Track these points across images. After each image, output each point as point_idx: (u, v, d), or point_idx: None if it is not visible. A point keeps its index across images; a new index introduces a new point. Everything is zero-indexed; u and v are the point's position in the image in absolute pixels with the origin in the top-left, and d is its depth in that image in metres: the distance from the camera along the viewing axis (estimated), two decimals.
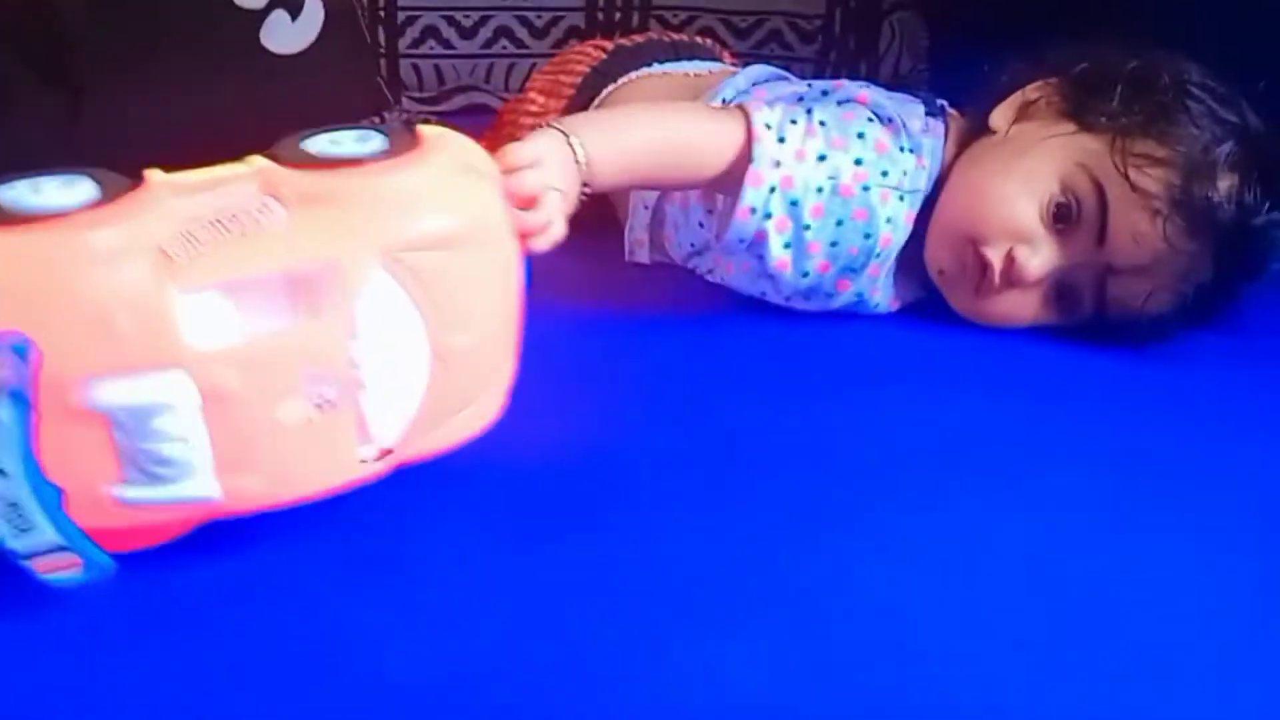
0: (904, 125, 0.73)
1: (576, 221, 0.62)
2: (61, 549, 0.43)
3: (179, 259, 0.45)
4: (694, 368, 0.71)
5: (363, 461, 0.50)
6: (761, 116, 0.70)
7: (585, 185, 0.65)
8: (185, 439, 0.44)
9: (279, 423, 0.45)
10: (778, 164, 0.69)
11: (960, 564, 0.53)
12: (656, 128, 0.71)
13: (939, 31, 1.31)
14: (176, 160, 0.51)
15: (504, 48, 1.29)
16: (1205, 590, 0.52)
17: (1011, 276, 0.72)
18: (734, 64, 0.97)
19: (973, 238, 0.72)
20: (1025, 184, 0.71)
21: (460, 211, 0.51)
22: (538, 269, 0.56)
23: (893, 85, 0.82)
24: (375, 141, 0.52)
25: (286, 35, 1.08)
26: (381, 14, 1.26)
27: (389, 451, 0.51)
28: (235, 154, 0.52)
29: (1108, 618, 0.49)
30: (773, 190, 0.69)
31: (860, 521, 0.56)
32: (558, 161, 0.63)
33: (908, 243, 0.75)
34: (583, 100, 0.91)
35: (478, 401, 0.55)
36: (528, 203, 0.57)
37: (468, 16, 1.28)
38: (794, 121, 0.71)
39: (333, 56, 1.10)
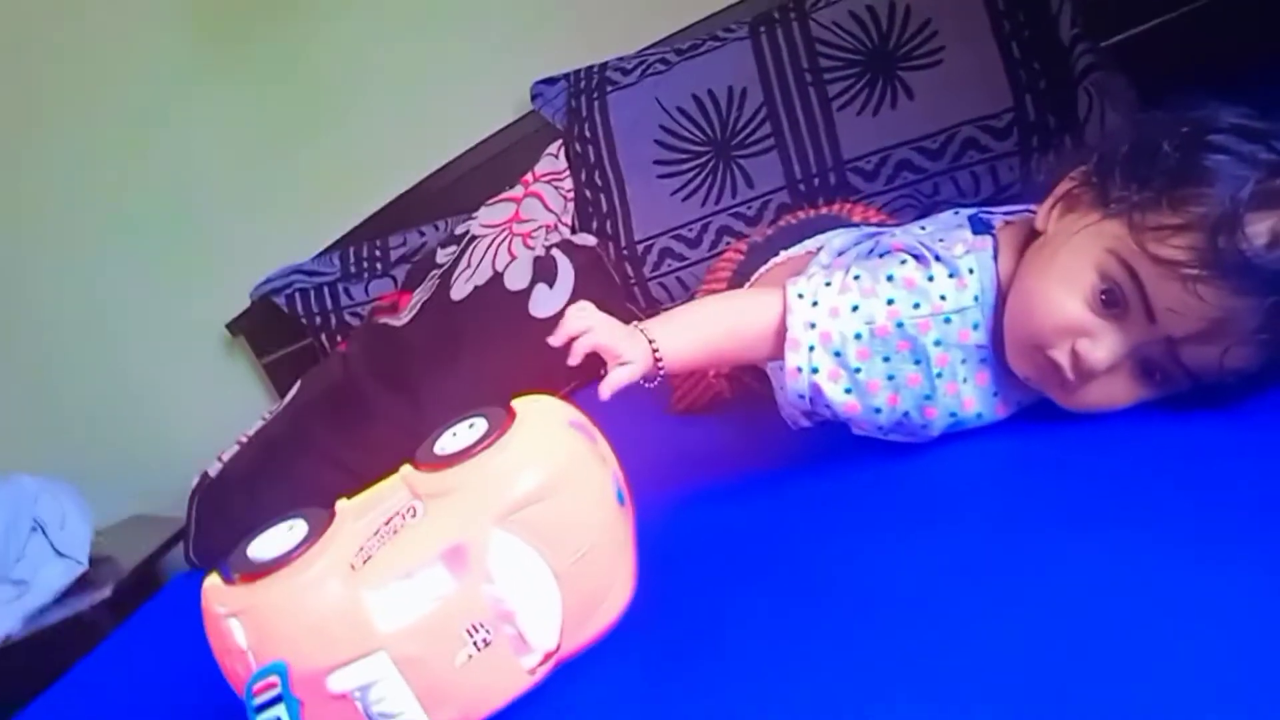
0: (937, 256, 0.79)
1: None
2: None
3: (361, 567, 0.64)
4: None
5: (530, 671, 0.66)
6: (795, 289, 0.80)
7: (660, 362, 0.80)
8: (398, 696, 0.62)
9: (455, 667, 0.63)
10: (812, 325, 0.77)
11: None
12: (710, 317, 0.85)
13: (1145, 78, 1.26)
14: None
15: (728, 243, 1.37)
16: None
17: (1082, 370, 0.72)
18: (862, 219, 1.06)
19: (1034, 344, 0.75)
20: (1064, 281, 0.73)
21: (547, 465, 0.68)
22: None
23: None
24: (480, 425, 0.70)
25: (548, 301, 1.35)
26: (625, 251, 1.45)
27: (553, 652, 0.67)
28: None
29: None
30: (812, 349, 0.77)
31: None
32: (613, 330, 0.79)
33: (1000, 352, 0.78)
34: None
35: (609, 595, 0.70)
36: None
37: (690, 229, 1.42)
38: (828, 284, 0.79)
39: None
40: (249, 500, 1.31)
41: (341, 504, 0.70)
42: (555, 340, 0.80)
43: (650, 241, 1.43)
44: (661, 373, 0.80)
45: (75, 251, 1.78)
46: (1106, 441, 0.72)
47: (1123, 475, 0.67)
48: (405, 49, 1.66)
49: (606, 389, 0.77)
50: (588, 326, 0.79)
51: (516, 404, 0.73)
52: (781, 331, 0.79)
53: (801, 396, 0.79)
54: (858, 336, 0.77)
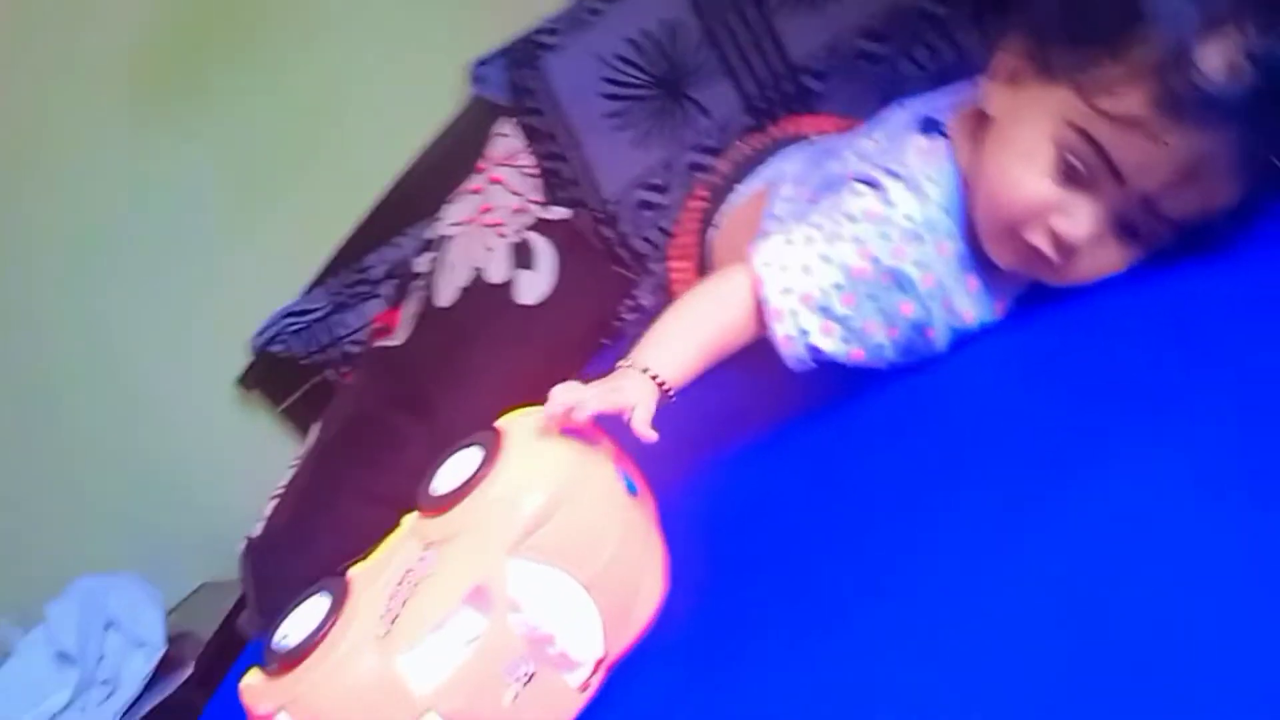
0: (891, 174, 0.75)
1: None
2: None
3: (387, 633, 0.63)
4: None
5: (582, 687, 0.65)
6: (759, 259, 0.76)
7: (664, 386, 0.73)
8: None
9: (505, 708, 0.62)
10: (788, 290, 0.74)
11: None
12: (690, 321, 0.78)
13: None
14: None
15: (699, 178, 1.31)
16: None
17: (1064, 248, 0.70)
18: (813, 130, 1.01)
19: (1009, 229, 0.72)
20: (1024, 160, 0.70)
21: (546, 483, 0.66)
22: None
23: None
24: (474, 453, 0.69)
25: (534, 286, 1.31)
26: (600, 214, 1.40)
27: (603, 659, 0.66)
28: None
29: None
30: (796, 313, 0.74)
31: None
32: (604, 391, 0.70)
33: (981, 252, 0.75)
34: (705, 252, 1.00)
35: (644, 588, 0.69)
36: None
37: (659, 176, 1.37)
38: (790, 242, 0.75)
39: (576, 278, 1.31)
40: (298, 554, 1.31)
41: (355, 570, 0.69)
42: (547, 421, 0.70)
43: (622, 197, 1.39)
44: (671, 394, 0.74)
45: (70, 341, 1.77)
46: (1111, 317, 0.68)
47: (1135, 357, 0.64)
48: (334, 71, 1.62)
49: (644, 435, 0.69)
50: (576, 401, 0.70)
51: (504, 423, 0.71)
52: (761, 305, 0.75)
53: (801, 360, 0.75)
54: (838, 286, 0.73)
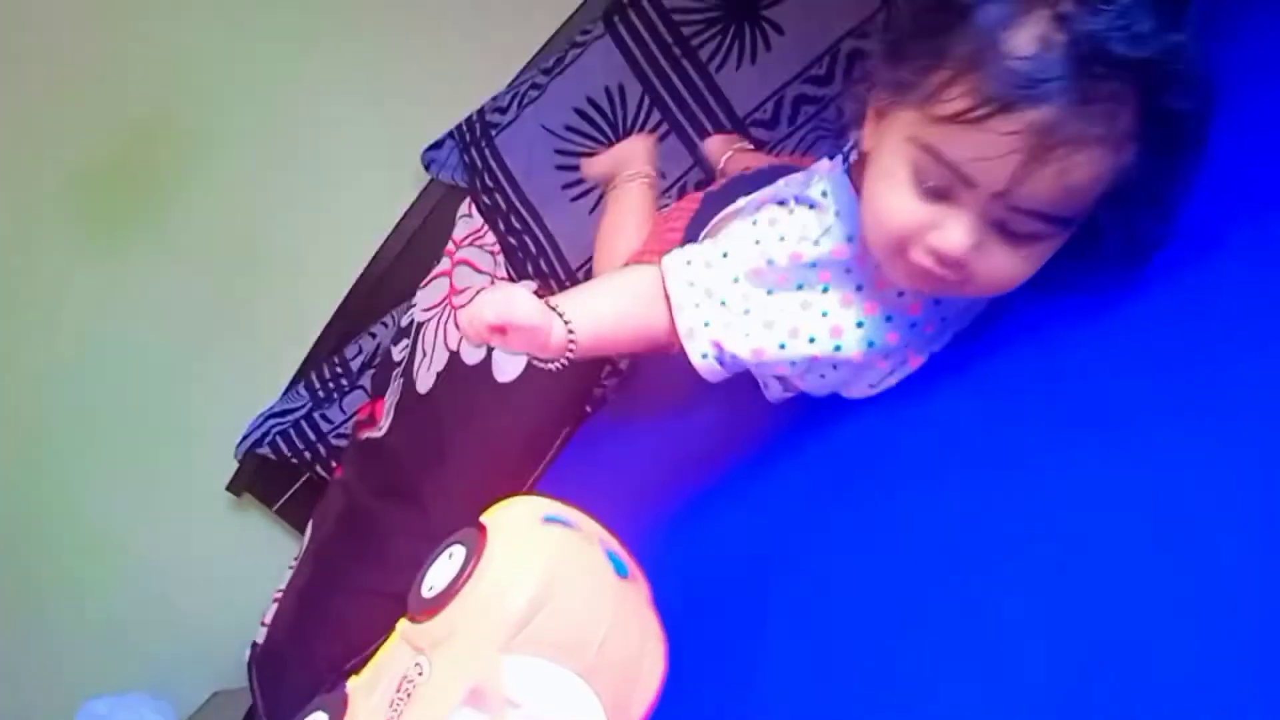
0: (800, 200, 0.80)
1: None
2: None
3: None
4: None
5: None
6: (667, 259, 0.79)
7: (571, 333, 0.73)
8: None
9: None
10: (692, 283, 0.77)
11: None
12: (608, 287, 0.82)
13: None
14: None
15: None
16: None
17: (948, 261, 0.69)
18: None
19: (893, 251, 0.72)
20: (888, 184, 0.70)
21: (532, 576, 0.66)
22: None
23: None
24: (457, 554, 0.69)
25: (509, 363, 1.30)
26: (566, 283, 1.41)
27: None
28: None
29: None
30: (698, 305, 0.77)
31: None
32: (495, 300, 0.69)
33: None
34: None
35: (644, 667, 0.68)
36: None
37: None
38: (698, 247, 0.80)
39: None
40: (301, 657, 1.30)
41: (352, 683, 0.68)
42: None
43: (587, 265, 1.40)
44: (573, 348, 0.74)
45: (58, 470, 1.77)
46: (1069, 337, 0.69)
47: (1102, 377, 0.63)
48: (291, 169, 1.64)
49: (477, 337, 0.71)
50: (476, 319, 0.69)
51: (486, 518, 0.71)
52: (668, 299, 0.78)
53: (705, 356, 0.77)
54: (735, 280, 0.77)
